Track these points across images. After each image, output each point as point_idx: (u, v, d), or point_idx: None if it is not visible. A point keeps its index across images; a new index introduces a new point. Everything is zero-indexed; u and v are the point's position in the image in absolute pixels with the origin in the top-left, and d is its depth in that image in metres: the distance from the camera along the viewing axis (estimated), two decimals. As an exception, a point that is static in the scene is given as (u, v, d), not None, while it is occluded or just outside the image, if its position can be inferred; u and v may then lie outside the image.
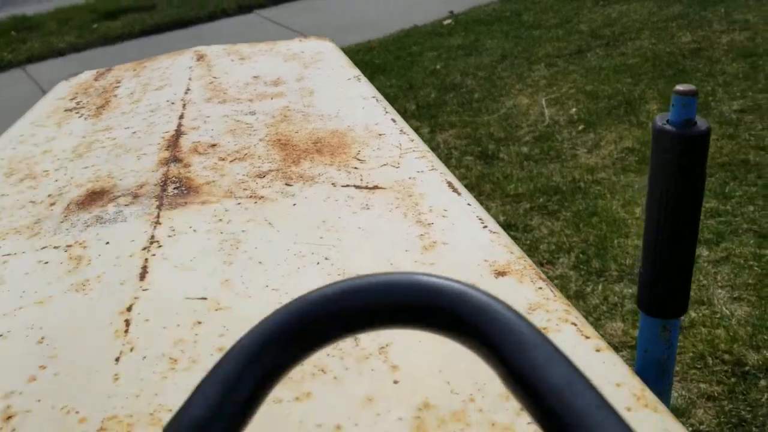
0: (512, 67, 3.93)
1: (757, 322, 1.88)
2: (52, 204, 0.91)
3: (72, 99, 1.34)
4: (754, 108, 3.14)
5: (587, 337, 0.62)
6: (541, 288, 0.68)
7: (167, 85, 1.30)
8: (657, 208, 0.73)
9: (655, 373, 0.81)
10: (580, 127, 3.12)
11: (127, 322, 0.64)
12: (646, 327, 0.80)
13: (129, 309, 0.66)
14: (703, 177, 0.72)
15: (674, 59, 3.75)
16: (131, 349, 0.61)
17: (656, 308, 0.78)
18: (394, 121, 1.11)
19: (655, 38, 4.09)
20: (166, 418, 0.54)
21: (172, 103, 1.20)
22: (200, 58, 1.43)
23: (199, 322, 0.64)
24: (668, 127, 0.70)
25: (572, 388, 0.29)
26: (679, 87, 0.69)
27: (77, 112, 1.26)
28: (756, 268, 2.09)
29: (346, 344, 0.61)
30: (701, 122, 0.70)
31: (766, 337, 1.84)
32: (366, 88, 1.24)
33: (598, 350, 0.60)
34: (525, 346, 0.31)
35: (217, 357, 0.60)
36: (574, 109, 3.30)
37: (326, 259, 0.74)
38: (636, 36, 4.17)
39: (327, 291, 0.32)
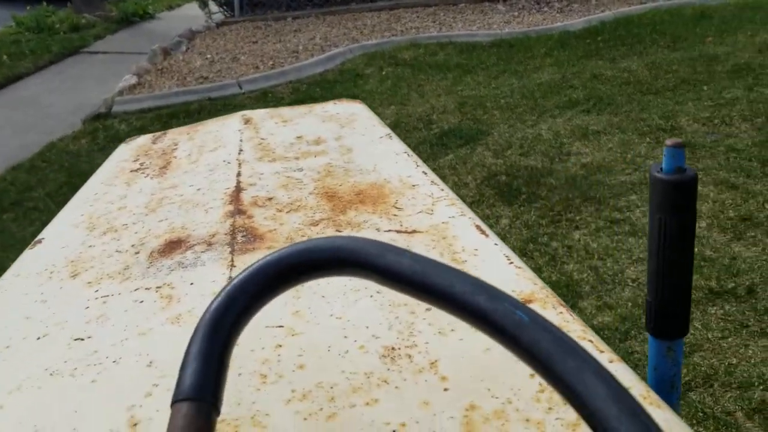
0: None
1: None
2: (137, 253, 1.06)
3: (135, 161, 1.51)
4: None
5: (602, 351, 0.74)
6: (561, 312, 0.81)
7: (221, 146, 1.46)
8: (656, 243, 0.86)
9: (665, 388, 0.93)
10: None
11: None
12: (654, 348, 0.93)
13: None
14: (694, 215, 0.86)
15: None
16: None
17: (662, 331, 0.91)
18: (425, 173, 1.25)
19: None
20: (264, 420, 0.67)
21: (228, 163, 1.36)
22: (247, 121, 1.60)
23: (280, 345, 0.78)
24: (661, 175, 0.84)
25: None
26: (669, 141, 0.83)
27: (142, 172, 1.42)
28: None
29: (403, 361, 0.75)
30: (689, 170, 0.84)
31: None
32: (398, 145, 1.40)
33: (611, 361, 0.73)
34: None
35: (298, 373, 0.73)
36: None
37: (378, 292, 0.88)
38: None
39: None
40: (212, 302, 0.49)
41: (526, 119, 4.66)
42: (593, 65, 5.63)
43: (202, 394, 0.44)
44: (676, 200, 0.84)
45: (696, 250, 2.86)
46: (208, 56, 6.78)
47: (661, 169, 0.85)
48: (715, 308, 2.65)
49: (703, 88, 4.91)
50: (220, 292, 0.50)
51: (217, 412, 0.45)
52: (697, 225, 3.64)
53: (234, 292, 0.49)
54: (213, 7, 8.47)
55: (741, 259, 2.89)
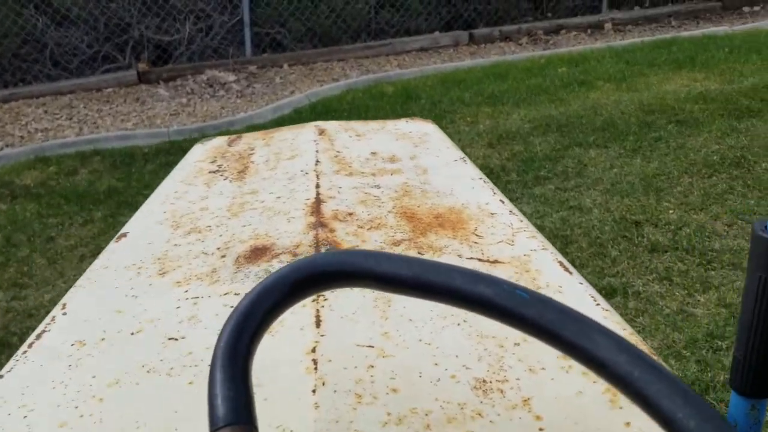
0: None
1: None
2: (223, 256, 1.09)
3: (212, 162, 1.54)
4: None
5: None
6: None
7: (297, 155, 1.49)
8: (753, 299, 0.86)
9: (742, 446, 0.92)
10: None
11: (315, 362, 0.80)
12: (736, 405, 0.92)
13: (313, 350, 0.82)
14: (794, 277, 0.85)
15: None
16: (323, 384, 0.76)
17: (747, 389, 0.90)
18: (502, 202, 1.26)
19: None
20: None
21: (306, 173, 1.38)
22: (321, 132, 1.62)
23: (372, 366, 0.79)
24: (765, 233, 0.83)
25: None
26: (777, 201, 0.83)
27: (221, 175, 1.45)
28: None
29: (495, 395, 0.75)
30: (794, 231, 0.83)
31: None
32: (472, 170, 1.41)
33: None
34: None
35: (392, 396, 0.75)
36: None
37: (464, 321, 0.89)
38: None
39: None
40: (225, 324, 0.51)
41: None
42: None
43: (241, 417, 0.46)
44: (778, 260, 0.83)
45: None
46: None
47: (765, 227, 0.84)
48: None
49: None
50: (232, 313, 0.51)
51: None
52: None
53: (246, 311, 0.51)
54: None
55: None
